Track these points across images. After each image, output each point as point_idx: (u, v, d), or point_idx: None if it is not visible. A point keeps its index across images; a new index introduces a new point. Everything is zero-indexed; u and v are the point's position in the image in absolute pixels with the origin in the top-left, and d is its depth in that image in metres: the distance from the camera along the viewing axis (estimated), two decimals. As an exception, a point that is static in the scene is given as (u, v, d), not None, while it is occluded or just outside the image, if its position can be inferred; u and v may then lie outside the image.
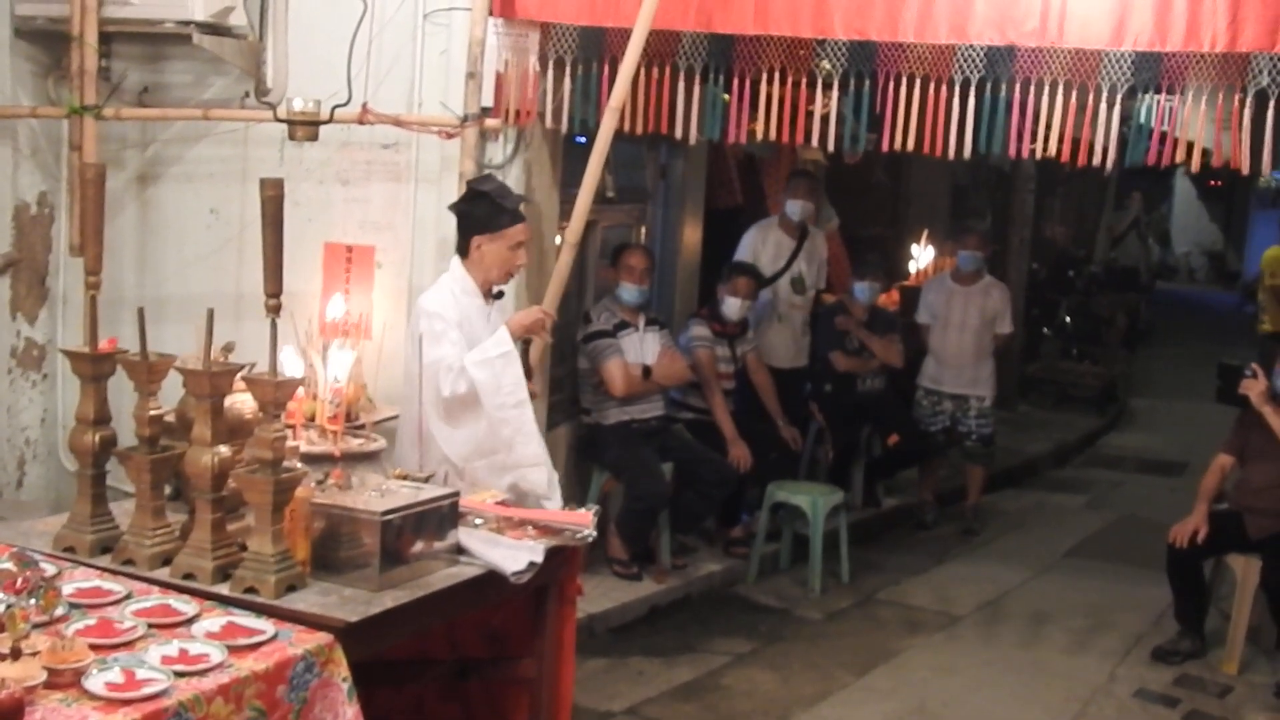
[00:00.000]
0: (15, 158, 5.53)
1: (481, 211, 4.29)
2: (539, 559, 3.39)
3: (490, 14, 4.89)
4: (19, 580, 2.59)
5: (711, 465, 6.37)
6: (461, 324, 4.25)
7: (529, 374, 4.37)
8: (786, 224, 7.44)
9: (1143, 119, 4.57)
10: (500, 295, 4.43)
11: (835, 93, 4.79)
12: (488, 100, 5.00)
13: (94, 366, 3.20)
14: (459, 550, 3.36)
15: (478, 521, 3.56)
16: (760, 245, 7.38)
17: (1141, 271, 16.52)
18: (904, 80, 4.65)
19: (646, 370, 6.17)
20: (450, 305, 4.25)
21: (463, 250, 4.32)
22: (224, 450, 3.05)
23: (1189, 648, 5.81)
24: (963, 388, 7.82)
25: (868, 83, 4.71)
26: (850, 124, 4.84)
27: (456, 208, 4.39)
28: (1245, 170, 4.45)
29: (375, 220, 5.31)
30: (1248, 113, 4.33)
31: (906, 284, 9.68)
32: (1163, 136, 4.53)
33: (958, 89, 4.60)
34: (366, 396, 4.55)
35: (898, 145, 4.70)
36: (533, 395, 4.35)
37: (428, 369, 4.15)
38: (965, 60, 4.58)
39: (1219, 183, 21.94)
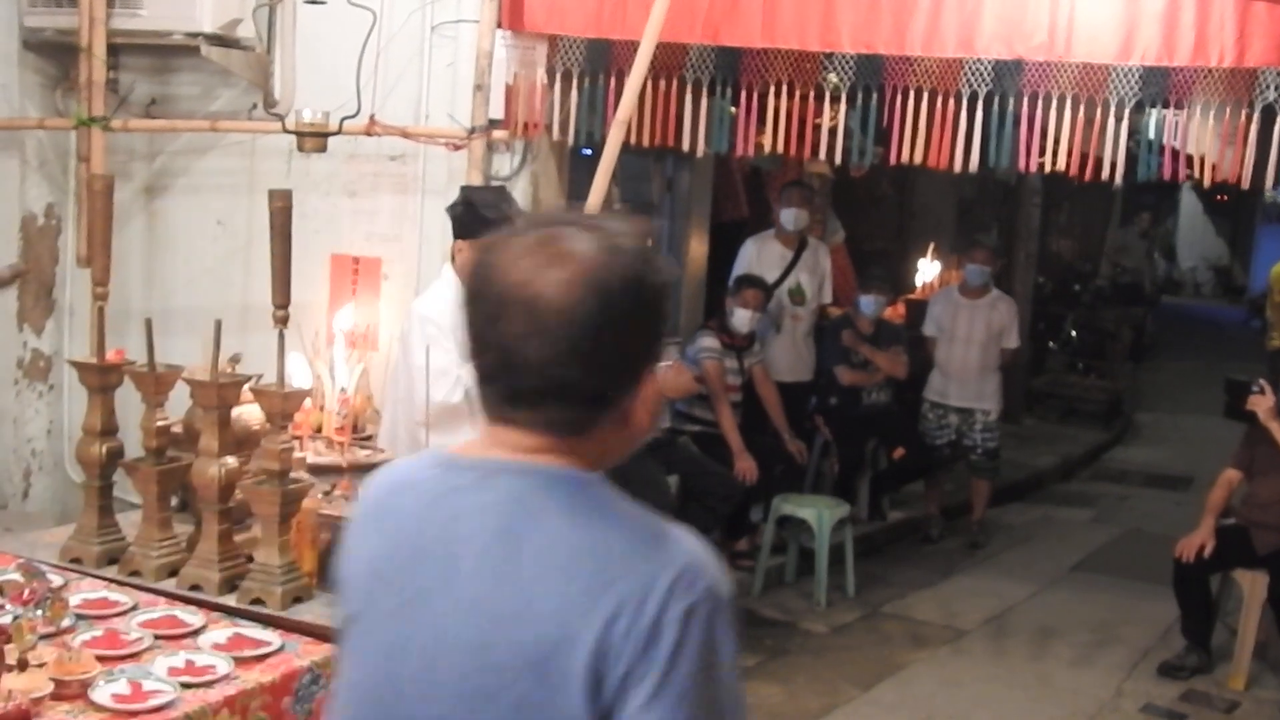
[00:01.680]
0: (23, 169, 5.55)
1: (465, 217, 4.29)
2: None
3: (498, 26, 4.90)
4: (26, 591, 2.59)
5: (717, 478, 6.36)
6: (455, 330, 4.24)
7: None
8: (783, 235, 7.41)
9: (1150, 134, 4.56)
10: None
11: (842, 106, 4.78)
12: (495, 112, 5.00)
13: (101, 377, 3.20)
14: (465, 562, 3.34)
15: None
16: (756, 257, 7.36)
17: (1147, 286, 16.50)
18: (911, 94, 4.65)
19: (652, 383, 6.14)
20: (446, 311, 4.25)
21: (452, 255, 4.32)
22: (231, 461, 3.05)
23: (1195, 663, 5.79)
24: (968, 401, 7.80)
25: (875, 96, 4.70)
26: (857, 137, 4.84)
27: (448, 211, 4.35)
28: (1245, 185, 4.45)
29: (382, 232, 5.31)
30: (1254, 128, 4.34)
31: (912, 297, 9.67)
32: (1175, 152, 4.53)
33: (965, 103, 4.60)
34: (373, 407, 4.54)
35: (905, 159, 4.70)
36: None
37: (420, 371, 4.12)
38: (973, 74, 4.58)
39: (1225, 197, 21.93)
